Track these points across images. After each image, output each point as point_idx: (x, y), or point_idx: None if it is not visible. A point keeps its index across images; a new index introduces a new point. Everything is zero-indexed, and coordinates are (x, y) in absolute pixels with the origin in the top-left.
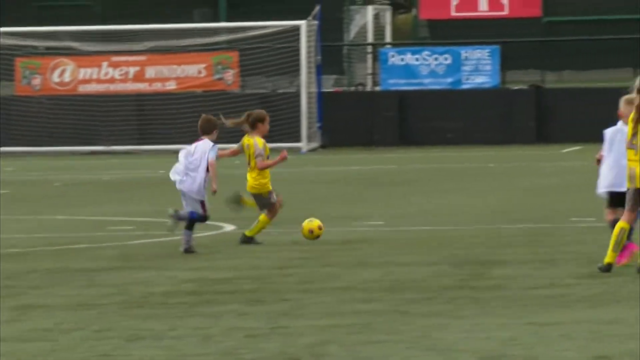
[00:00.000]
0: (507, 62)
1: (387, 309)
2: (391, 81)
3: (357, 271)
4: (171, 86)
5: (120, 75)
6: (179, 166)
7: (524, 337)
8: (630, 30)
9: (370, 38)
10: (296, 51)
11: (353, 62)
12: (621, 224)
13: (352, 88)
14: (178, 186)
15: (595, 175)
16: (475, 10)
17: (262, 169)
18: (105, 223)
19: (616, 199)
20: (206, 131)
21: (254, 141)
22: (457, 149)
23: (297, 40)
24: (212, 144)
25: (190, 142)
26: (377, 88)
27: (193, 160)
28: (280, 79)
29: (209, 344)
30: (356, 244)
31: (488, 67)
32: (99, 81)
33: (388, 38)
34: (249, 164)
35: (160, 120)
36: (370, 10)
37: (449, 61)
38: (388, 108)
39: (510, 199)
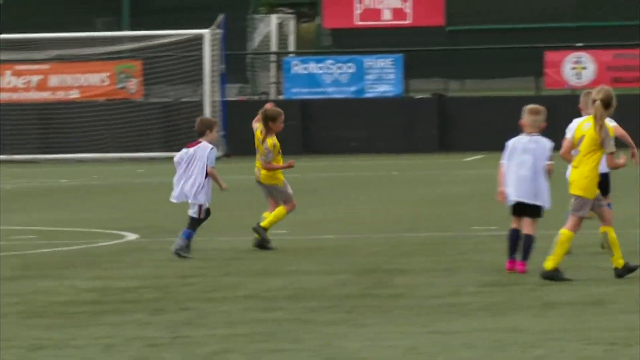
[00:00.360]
0: (411, 71)
1: (290, 318)
2: (294, 90)
3: (259, 280)
4: (74, 95)
5: (24, 84)
6: (176, 188)
7: (426, 345)
8: (532, 40)
9: (273, 47)
10: (200, 60)
11: (257, 71)
12: (602, 229)
13: (256, 97)
14: (176, 198)
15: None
16: (379, 19)
17: (267, 170)
18: (6, 232)
19: (517, 209)
20: (201, 132)
21: (265, 140)
22: (361, 157)
23: (201, 49)
24: (210, 147)
25: (93, 150)
26: (281, 97)
27: (193, 164)
28: (184, 88)
29: (110, 353)
30: (259, 253)
31: (391, 76)
32: (1, 90)
33: (292, 47)
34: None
35: (63, 129)
36: (273, 19)
37: (352, 70)
38: (291, 117)
39: (412, 208)
